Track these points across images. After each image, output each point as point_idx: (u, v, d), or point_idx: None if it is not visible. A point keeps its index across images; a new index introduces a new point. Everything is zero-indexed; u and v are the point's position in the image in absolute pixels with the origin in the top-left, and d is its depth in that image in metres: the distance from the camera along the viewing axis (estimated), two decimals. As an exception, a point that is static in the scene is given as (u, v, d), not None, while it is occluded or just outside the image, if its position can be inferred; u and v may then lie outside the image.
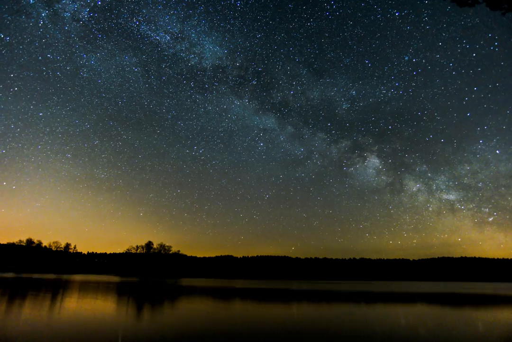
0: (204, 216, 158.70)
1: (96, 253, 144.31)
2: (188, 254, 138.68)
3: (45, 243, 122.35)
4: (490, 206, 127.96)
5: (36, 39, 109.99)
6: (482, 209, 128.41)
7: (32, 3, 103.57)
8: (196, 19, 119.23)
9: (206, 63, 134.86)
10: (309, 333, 12.33)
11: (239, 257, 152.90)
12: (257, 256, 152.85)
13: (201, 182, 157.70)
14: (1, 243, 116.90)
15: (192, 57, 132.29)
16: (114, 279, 70.81)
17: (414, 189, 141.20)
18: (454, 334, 12.90)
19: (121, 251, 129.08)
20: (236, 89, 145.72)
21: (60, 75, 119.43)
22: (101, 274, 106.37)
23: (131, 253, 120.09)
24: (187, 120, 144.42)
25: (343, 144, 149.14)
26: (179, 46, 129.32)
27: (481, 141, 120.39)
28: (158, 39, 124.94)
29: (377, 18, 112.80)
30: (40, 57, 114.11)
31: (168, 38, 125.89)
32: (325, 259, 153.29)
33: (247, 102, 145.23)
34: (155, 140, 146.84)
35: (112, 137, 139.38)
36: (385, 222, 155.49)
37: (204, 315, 16.78)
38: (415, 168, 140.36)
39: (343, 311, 20.44)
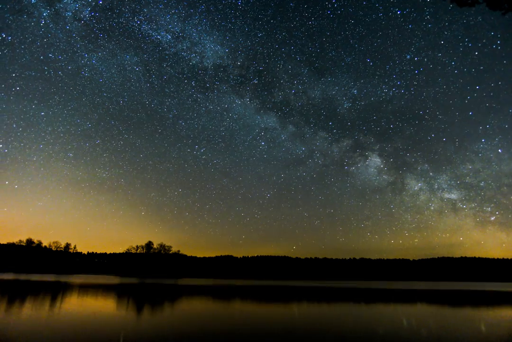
0: (205, 215, 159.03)
1: (96, 253, 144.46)
2: (189, 254, 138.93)
3: (45, 243, 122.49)
4: (492, 205, 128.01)
5: (38, 38, 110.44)
6: (484, 208, 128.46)
7: (33, 3, 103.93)
8: (197, 18, 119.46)
9: (207, 63, 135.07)
10: (310, 333, 12.33)
11: (239, 257, 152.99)
12: (257, 256, 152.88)
13: (202, 181, 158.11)
14: (1, 243, 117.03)
15: (193, 57, 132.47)
16: (114, 279, 70.82)
17: (416, 188, 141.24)
18: (455, 334, 12.90)
19: (121, 251, 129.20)
20: (237, 88, 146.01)
21: (61, 74, 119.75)
22: (101, 274, 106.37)
23: (131, 253, 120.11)
24: (188, 119, 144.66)
25: (345, 144, 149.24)
26: (180, 45, 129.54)
27: (483, 140, 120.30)
28: (159, 39, 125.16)
29: (379, 16, 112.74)
30: (41, 57, 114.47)
31: (169, 37, 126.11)
32: (325, 259, 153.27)
33: (248, 101, 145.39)
34: (157, 140, 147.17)
35: (113, 137, 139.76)
36: (386, 221, 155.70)
37: (204, 315, 16.78)
38: (417, 168, 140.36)
39: (343, 311, 20.44)
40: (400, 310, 22.29)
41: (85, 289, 35.89)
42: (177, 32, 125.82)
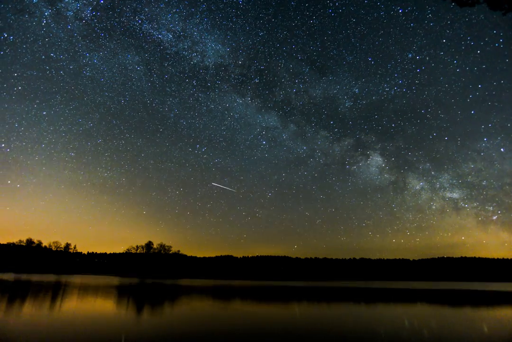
0: (206, 214, 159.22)
1: (96, 253, 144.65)
2: (190, 254, 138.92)
3: (45, 243, 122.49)
4: (494, 204, 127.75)
5: (39, 38, 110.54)
6: (486, 207, 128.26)
7: (35, 3, 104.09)
8: (198, 17, 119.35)
9: (208, 62, 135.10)
10: (310, 333, 12.33)
11: (239, 257, 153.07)
12: (257, 256, 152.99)
13: (204, 180, 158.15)
14: (1, 243, 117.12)
15: (194, 56, 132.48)
16: (114, 279, 70.84)
17: (418, 187, 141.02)
18: (455, 335, 12.90)
19: (121, 251, 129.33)
20: (239, 87, 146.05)
21: (63, 74, 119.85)
22: (101, 274, 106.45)
23: (131, 253, 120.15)
24: (189, 118, 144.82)
25: (346, 143, 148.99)
26: (181, 44, 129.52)
27: (485, 139, 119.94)
28: (160, 38, 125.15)
29: (380, 15, 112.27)
30: (43, 56, 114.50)
31: (171, 36, 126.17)
32: (325, 259, 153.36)
33: (249, 100, 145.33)
34: (158, 139, 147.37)
35: (115, 136, 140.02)
36: (388, 221, 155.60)
37: (203, 315, 16.78)
38: (419, 167, 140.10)
39: (343, 311, 20.44)
40: (400, 310, 22.29)
41: (85, 289, 35.88)
42: (178, 31, 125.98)
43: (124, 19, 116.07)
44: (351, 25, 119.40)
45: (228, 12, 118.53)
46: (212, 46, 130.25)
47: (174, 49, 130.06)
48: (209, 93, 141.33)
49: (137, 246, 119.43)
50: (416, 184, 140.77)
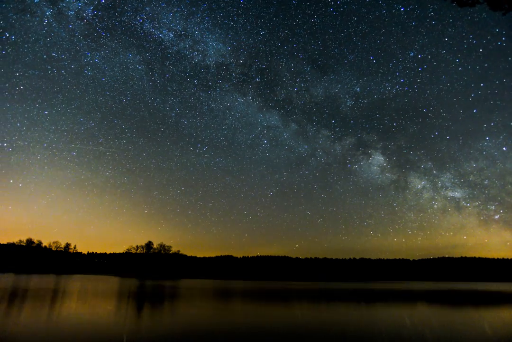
0: (208, 214, 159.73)
1: (96, 253, 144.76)
2: (191, 253, 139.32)
3: (45, 243, 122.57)
4: (496, 203, 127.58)
5: (41, 38, 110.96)
6: (488, 206, 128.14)
7: (36, 2, 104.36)
8: (199, 17, 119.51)
9: (209, 61, 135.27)
10: (310, 333, 12.32)
11: (239, 257, 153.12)
12: (257, 256, 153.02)
13: (205, 179, 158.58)
14: (1, 243, 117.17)
15: (195, 55, 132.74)
16: (114, 279, 70.82)
17: (419, 186, 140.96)
18: (456, 335, 12.88)
19: (121, 251, 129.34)
20: (240, 86, 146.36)
21: (64, 73, 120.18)
22: (101, 274, 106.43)
23: (131, 253, 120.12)
24: (190, 118, 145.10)
25: (347, 142, 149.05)
26: (182, 43, 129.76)
27: (487, 138, 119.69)
28: (161, 37, 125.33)
29: (382, 13, 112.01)
30: (45, 56, 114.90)
31: (172, 35, 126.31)
32: (325, 259, 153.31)
33: (250, 99, 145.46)
34: (159, 138, 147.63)
35: (116, 135, 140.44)
36: (389, 220, 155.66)
37: (203, 316, 16.77)
38: (420, 166, 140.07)
39: (343, 311, 20.43)
40: (400, 311, 22.28)
41: (85, 289, 35.88)
42: (179, 30, 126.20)
43: (125, 19, 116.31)
44: (352, 23, 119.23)
45: (229, 11, 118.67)
46: (213, 45, 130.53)
47: (175, 48, 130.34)
48: (210, 92, 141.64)
49: (137, 246, 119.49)
50: (418, 183, 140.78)
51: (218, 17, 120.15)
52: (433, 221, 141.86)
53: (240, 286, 53.58)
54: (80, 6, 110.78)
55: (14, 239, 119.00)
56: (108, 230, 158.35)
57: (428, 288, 63.67)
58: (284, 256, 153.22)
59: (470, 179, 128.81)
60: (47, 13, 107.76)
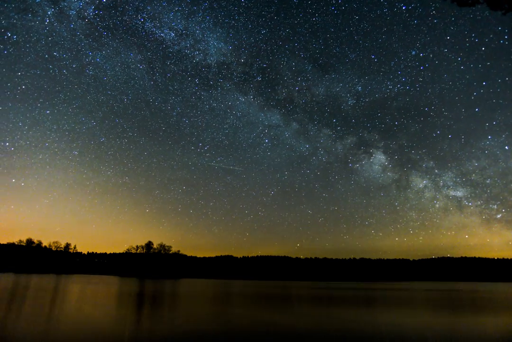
0: (209, 213, 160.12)
1: (96, 253, 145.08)
2: (192, 252, 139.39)
3: (45, 243, 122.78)
4: (499, 202, 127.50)
5: (43, 37, 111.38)
6: (490, 205, 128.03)
7: (38, 2, 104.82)
8: (200, 16, 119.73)
9: (210, 60, 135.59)
10: (310, 333, 12.31)
11: (239, 257, 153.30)
12: (257, 256, 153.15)
13: (206, 179, 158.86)
14: (1, 243, 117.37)
15: (196, 54, 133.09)
16: (114, 279, 70.85)
17: (421, 186, 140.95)
18: (457, 336, 12.88)
19: (121, 251, 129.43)
20: (241, 85, 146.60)
21: (66, 73, 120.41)
22: (101, 274, 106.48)
23: (131, 253, 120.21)
24: (192, 117, 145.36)
25: (349, 141, 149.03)
26: (183, 43, 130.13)
27: (489, 137, 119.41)
28: (162, 36, 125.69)
29: (384, 12, 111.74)
30: (46, 56, 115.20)
31: (173, 35, 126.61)
32: (325, 259, 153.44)
33: (252, 98, 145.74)
34: (161, 137, 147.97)
35: (118, 135, 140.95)
36: (391, 219, 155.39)
37: (203, 316, 16.77)
38: (422, 165, 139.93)
39: (343, 312, 20.42)
40: (400, 310, 22.27)
41: (84, 289, 35.88)
42: (180, 29, 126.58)
43: (127, 18, 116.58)
44: (354, 22, 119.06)
45: (230, 10, 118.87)
46: (214, 44, 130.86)
47: (176, 47, 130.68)
48: (212, 91, 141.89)
49: (137, 246, 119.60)
50: (420, 182, 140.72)
51: (219, 16, 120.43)
52: (434, 220, 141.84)
53: (240, 285, 53.59)
54: (81, 5, 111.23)
55: (16, 239, 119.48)
56: (109, 229, 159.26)
57: (428, 288, 63.69)
58: (284, 256, 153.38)
59: (472, 178, 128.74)
60: (49, 12, 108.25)
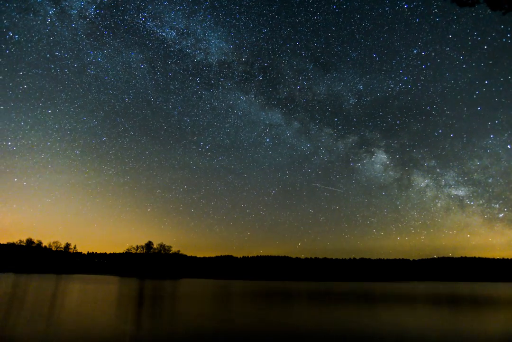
0: (210, 212, 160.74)
1: (96, 253, 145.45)
2: (192, 252, 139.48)
3: (45, 243, 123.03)
4: (501, 201, 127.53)
5: (44, 37, 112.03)
6: (492, 205, 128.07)
7: (39, 1, 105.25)
8: (201, 15, 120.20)
9: (211, 59, 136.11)
10: (310, 333, 12.31)
11: (239, 257, 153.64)
12: (257, 256, 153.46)
13: (208, 178, 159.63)
14: (1, 243, 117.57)
15: (198, 53, 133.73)
16: (114, 279, 70.88)
17: (423, 185, 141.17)
18: (458, 337, 12.88)
19: (121, 251, 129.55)
20: (242, 84, 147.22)
21: (68, 72, 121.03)
22: (101, 274, 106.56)
23: (131, 253, 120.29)
24: (193, 116, 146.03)
25: (350, 140, 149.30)
26: (184, 42, 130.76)
27: (491, 136, 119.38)
28: (164, 36, 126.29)
29: (385, 10, 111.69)
30: (48, 55, 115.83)
31: (174, 34, 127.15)
32: (325, 259, 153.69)
33: (253, 97, 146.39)
34: (162, 137, 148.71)
35: (119, 134, 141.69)
36: (392, 218, 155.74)
37: (203, 316, 16.76)
38: (424, 164, 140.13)
39: (343, 312, 20.42)
40: (400, 310, 22.27)
41: (84, 290, 35.89)
42: (181, 29, 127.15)
43: (128, 17, 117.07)
44: (355, 21, 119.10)
45: (231, 9, 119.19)
46: (215, 44, 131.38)
47: (177, 46, 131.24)
48: (213, 90, 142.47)
49: (137, 246, 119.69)
50: (421, 181, 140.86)
51: (220, 15, 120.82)
52: (436, 219, 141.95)
53: (240, 285, 53.60)
54: (82, 5, 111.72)
55: (16, 238, 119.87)
56: (111, 228, 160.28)
57: (428, 288, 63.70)
58: (284, 256, 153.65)
59: (474, 177, 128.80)
60: (50, 12, 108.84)
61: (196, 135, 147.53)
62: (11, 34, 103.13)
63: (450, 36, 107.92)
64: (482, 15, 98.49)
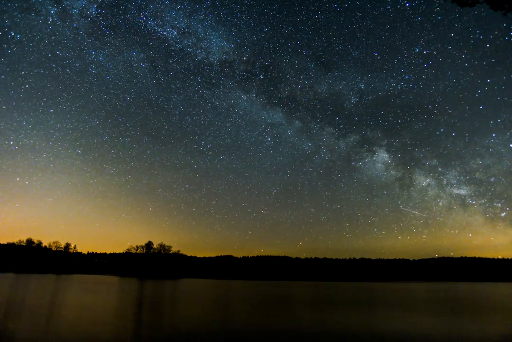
0: (212, 211, 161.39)
1: (96, 253, 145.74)
2: (193, 251, 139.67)
3: (45, 243, 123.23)
4: (503, 200, 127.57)
5: (46, 36, 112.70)
6: (494, 204, 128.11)
7: (41, 1, 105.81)
8: (202, 14, 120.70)
9: (213, 58, 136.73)
10: (310, 333, 12.30)
11: (239, 256, 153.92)
12: (257, 256, 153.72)
13: (209, 177, 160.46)
14: (1, 243, 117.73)
15: (199, 52, 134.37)
16: (114, 279, 70.88)
17: (424, 184, 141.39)
18: (458, 337, 12.86)
19: (121, 251, 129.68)
20: (243, 84, 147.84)
21: (69, 72, 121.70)
22: (101, 274, 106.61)
23: (131, 253, 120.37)
24: (194, 115, 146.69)
25: (352, 139, 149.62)
26: (186, 41, 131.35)
27: (494, 135, 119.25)
28: (165, 35, 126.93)
29: (387, 9, 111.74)
30: (49, 55, 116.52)
31: (175, 33, 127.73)
32: (325, 258, 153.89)
33: (254, 97, 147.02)
34: (163, 136, 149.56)
35: (121, 133, 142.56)
36: (394, 217, 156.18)
37: (203, 316, 16.75)
38: (425, 163, 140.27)
39: (343, 312, 20.40)
40: (400, 310, 22.26)
41: (84, 290, 35.88)
42: (182, 28, 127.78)
43: (129, 16, 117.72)
44: (357, 19, 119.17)
45: (232, 8, 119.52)
46: (216, 43, 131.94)
47: (178, 46, 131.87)
48: (214, 90, 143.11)
49: (137, 246, 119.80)
50: (423, 180, 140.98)
51: (222, 14, 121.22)
52: (438, 218, 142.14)
53: (240, 285, 53.59)
54: (84, 4, 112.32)
55: (18, 238, 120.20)
56: (112, 227, 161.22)
57: (429, 288, 63.69)
58: (284, 256, 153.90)
59: (476, 176, 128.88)
60: (52, 11, 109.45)
61: (197, 135, 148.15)
62: (12, 34, 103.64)
63: (452, 34, 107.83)
64: (484, 14, 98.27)
